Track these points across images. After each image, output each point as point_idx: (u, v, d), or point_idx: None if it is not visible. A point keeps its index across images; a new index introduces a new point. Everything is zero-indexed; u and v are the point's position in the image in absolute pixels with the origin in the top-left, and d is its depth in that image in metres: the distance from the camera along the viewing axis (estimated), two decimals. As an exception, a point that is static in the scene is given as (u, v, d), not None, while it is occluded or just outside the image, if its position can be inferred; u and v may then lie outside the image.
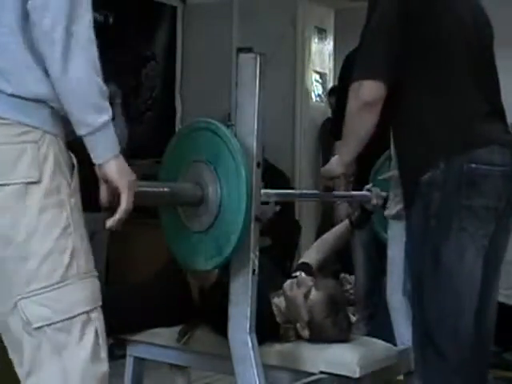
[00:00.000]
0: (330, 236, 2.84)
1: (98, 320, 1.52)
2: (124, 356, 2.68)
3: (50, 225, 1.46)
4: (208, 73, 5.76)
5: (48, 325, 1.47)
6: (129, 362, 2.65)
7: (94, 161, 1.51)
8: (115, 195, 1.55)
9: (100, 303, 1.54)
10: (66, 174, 1.51)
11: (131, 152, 5.10)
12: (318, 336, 2.42)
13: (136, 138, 5.51)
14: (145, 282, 2.72)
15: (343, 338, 2.44)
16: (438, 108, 2.11)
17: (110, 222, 1.54)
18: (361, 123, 2.15)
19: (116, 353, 3.30)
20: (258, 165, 1.99)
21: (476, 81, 2.15)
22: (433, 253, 2.07)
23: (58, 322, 1.47)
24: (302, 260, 2.81)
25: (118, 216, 1.53)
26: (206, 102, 5.55)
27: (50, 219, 1.46)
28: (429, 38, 2.11)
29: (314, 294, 2.43)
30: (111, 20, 5.23)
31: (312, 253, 2.81)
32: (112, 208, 1.55)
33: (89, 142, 1.49)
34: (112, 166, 1.51)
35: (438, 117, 2.11)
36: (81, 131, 1.48)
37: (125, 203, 1.53)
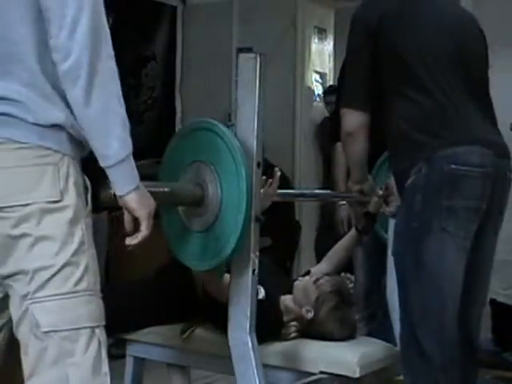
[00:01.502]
0: (340, 248, 2.84)
1: (101, 336, 1.57)
2: (124, 356, 2.68)
3: (68, 240, 1.53)
4: (208, 73, 5.76)
5: (55, 331, 1.52)
6: (128, 362, 2.65)
7: (115, 192, 1.59)
8: (135, 221, 1.64)
9: (104, 323, 1.59)
10: (82, 196, 1.58)
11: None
12: (321, 322, 2.43)
13: (136, 138, 5.50)
14: (144, 279, 2.73)
15: (345, 334, 2.45)
16: (417, 113, 2.16)
17: (130, 241, 1.66)
18: (350, 151, 2.36)
19: (115, 353, 3.31)
20: (258, 165, 1.99)
21: (463, 84, 2.17)
22: (415, 253, 2.10)
23: (64, 330, 1.52)
24: (310, 269, 2.83)
25: (137, 241, 1.65)
26: (206, 102, 5.55)
27: (68, 235, 1.53)
28: (402, 52, 2.18)
29: (324, 278, 2.52)
30: (111, 20, 5.19)
31: (322, 266, 2.82)
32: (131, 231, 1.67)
33: (110, 174, 1.56)
34: (132, 198, 1.59)
35: (417, 122, 2.16)
36: (103, 163, 1.55)
37: (145, 231, 1.63)
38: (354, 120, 2.26)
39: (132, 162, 1.58)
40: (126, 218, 1.65)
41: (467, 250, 2.12)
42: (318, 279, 2.51)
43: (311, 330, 2.46)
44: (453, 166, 2.07)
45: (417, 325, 2.12)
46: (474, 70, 2.24)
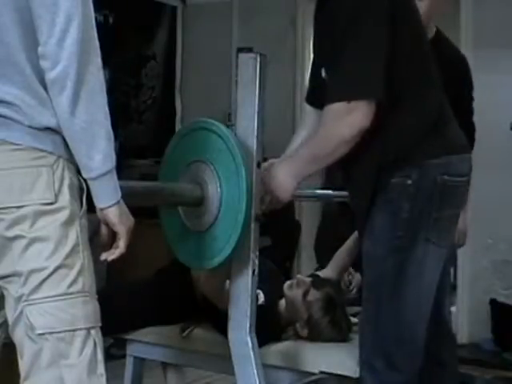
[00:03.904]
0: (344, 252, 2.83)
1: (97, 337, 1.57)
2: (124, 356, 2.68)
3: (62, 241, 1.53)
4: (208, 73, 5.76)
5: (50, 333, 1.51)
6: (128, 362, 2.65)
7: (96, 204, 1.58)
8: (113, 235, 1.63)
9: (99, 324, 1.59)
10: (77, 197, 1.57)
11: (131, 152, 5.13)
12: (317, 335, 2.43)
13: (136, 138, 5.52)
14: (145, 279, 2.73)
15: (342, 338, 2.45)
16: (412, 110, 2.01)
17: (107, 256, 1.63)
18: (339, 153, 1.97)
19: (115, 353, 3.31)
20: (258, 165, 1.99)
21: (439, 85, 2.11)
22: (398, 262, 1.99)
23: (60, 331, 1.52)
24: (319, 274, 2.81)
25: (114, 257, 1.62)
26: (206, 102, 5.56)
27: (62, 236, 1.53)
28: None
29: (312, 293, 2.46)
30: (111, 20, 5.23)
31: (328, 272, 2.81)
32: (107, 244, 1.64)
33: (92, 186, 1.55)
34: (113, 212, 1.58)
35: (411, 119, 2.00)
36: (85, 174, 1.54)
37: (123, 247, 1.62)
38: (370, 114, 1.89)
39: (115, 177, 1.56)
40: (103, 231, 1.64)
41: (445, 257, 2.08)
42: (306, 293, 2.45)
43: (309, 337, 2.45)
44: (446, 177, 1.98)
45: (388, 337, 2.02)
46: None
